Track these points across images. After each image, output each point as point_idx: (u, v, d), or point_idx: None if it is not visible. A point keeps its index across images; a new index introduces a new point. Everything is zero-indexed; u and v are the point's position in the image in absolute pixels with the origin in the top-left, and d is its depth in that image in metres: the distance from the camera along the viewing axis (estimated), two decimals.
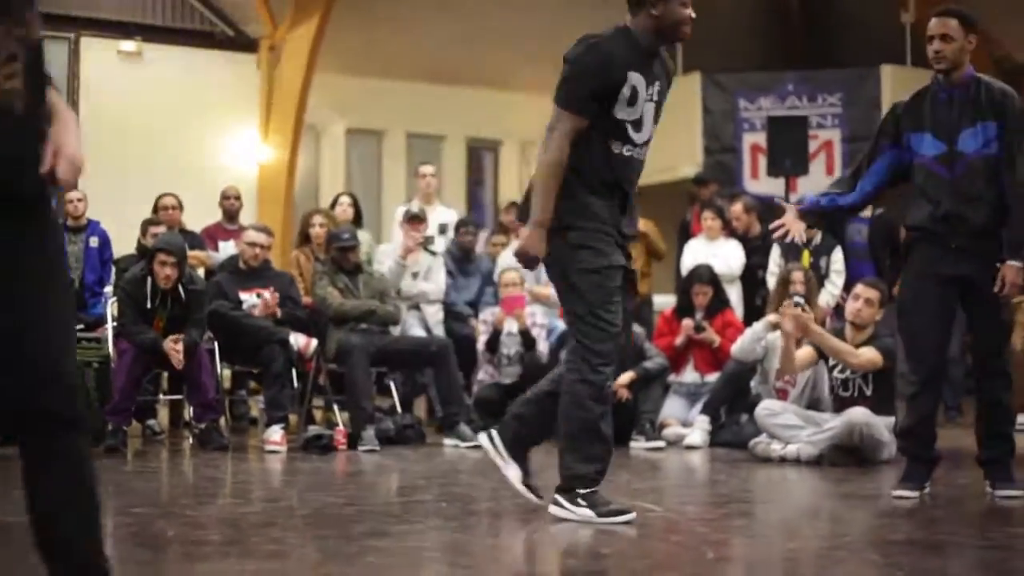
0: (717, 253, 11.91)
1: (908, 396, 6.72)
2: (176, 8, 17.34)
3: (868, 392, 8.55)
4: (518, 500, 5.90)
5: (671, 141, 18.70)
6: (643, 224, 12.95)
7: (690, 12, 5.65)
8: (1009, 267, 6.42)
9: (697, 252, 11.98)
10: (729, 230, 12.37)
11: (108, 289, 10.59)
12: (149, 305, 9.32)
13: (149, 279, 9.32)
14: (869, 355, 8.39)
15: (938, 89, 6.65)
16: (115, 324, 9.68)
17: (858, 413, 8.27)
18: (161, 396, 10.80)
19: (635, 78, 5.55)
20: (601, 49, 5.56)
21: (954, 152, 6.53)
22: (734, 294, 11.89)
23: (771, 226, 7.08)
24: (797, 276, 10.35)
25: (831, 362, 8.74)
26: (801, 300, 9.02)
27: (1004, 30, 17.86)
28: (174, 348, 9.12)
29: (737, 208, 12.54)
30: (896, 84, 17.05)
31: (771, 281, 11.77)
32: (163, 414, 11.32)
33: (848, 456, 8.30)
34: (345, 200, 11.99)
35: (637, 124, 5.60)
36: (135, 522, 5.80)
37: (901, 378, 6.98)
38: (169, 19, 17.29)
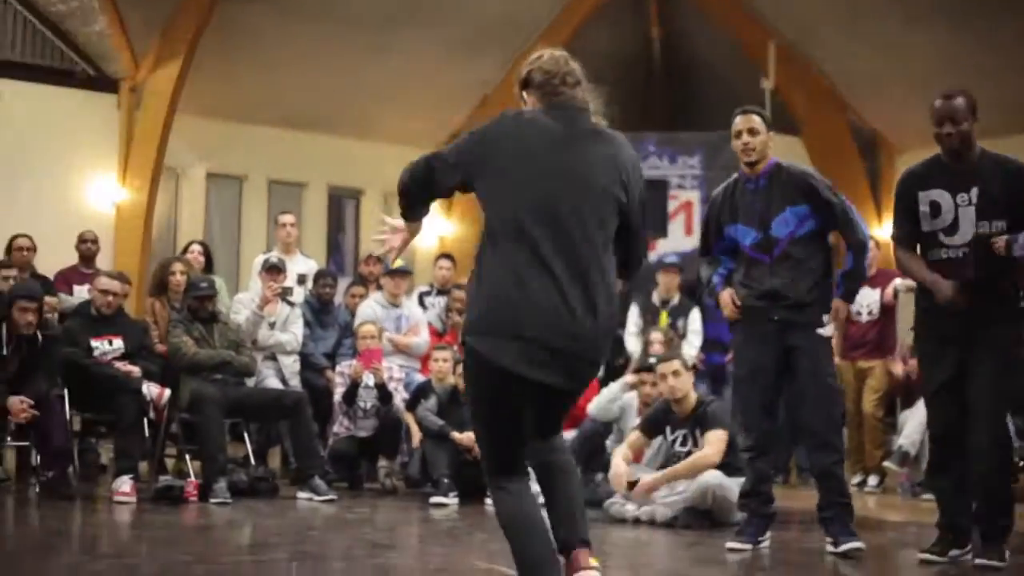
0: None
1: (746, 461, 7.28)
2: (36, 44, 16.99)
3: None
4: (371, 560, 5.84)
5: None
6: None
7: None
8: (839, 302, 7.04)
9: None
10: None
11: None
12: (3, 352, 9.12)
13: (3, 325, 9.12)
14: (708, 451, 8.49)
15: (746, 180, 7.18)
16: None
17: (711, 476, 8.33)
18: (8, 440, 10.52)
19: None
20: None
21: (769, 238, 7.04)
22: None
23: (725, 315, 7.30)
24: (655, 337, 10.45)
25: (668, 431, 8.83)
26: (655, 362, 9.15)
27: (858, 97, 18.26)
28: (20, 408, 8.95)
29: None
30: None
31: (629, 341, 11.88)
32: (10, 460, 11.04)
33: (702, 518, 8.36)
34: (196, 248, 11.96)
35: None
36: None
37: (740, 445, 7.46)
38: (28, 55, 16.95)
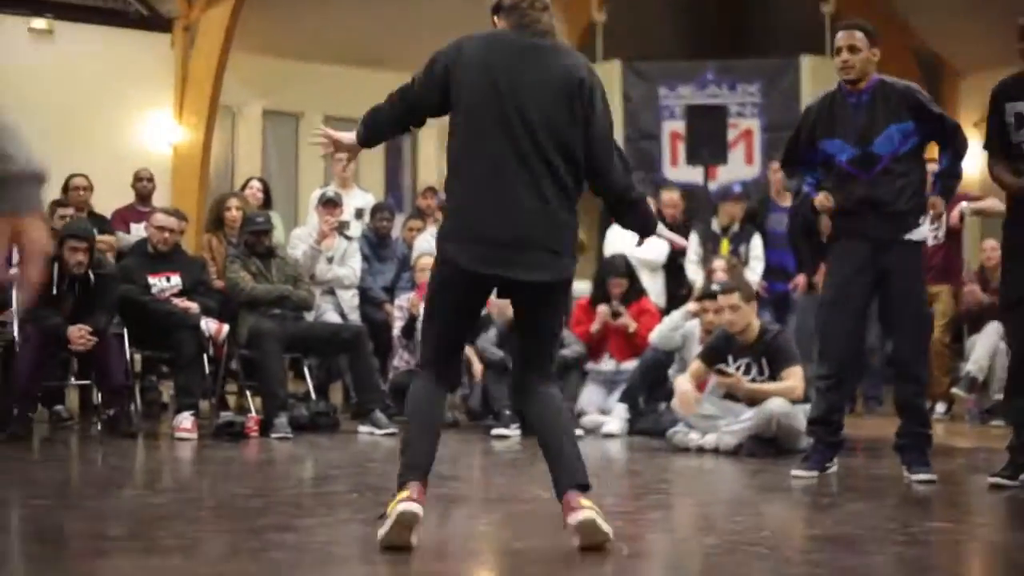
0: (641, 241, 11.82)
1: (819, 390, 7.06)
2: None
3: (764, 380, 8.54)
4: (433, 490, 5.77)
5: None
6: None
7: None
8: (936, 199, 6.87)
9: (622, 238, 11.86)
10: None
11: (14, 271, 10.29)
12: (56, 291, 9.09)
13: (56, 264, 9.08)
14: (793, 384, 8.35)
15: (847, 94, 6.91)
16: (19, 308, 9.43)
17: (776, 403, 8.21)
18: (72, 380, 10.53)
19: None
20: None
21: (869, 155, 6.78)
22: (658, 282, 11.82)
23: (819, 208, 7.08)
24: (717, 264, 10.32)
25: (731, 359, 8.69)
26: (720, 289, 9.02)
27: (919, 21, 17.93)
28: (78, 335, 8.90)
29: (675, 196, 12.50)
30: (815, 74, 17.03)
31: (689, 269, 11.74)
32: (73, 399, 11.08)
33: (766, 446, 8.24)
34: (255, 184, 11.86)
35: None
36: (35, 515, 5.61)
37: (815, 372, 7.27)
38: None
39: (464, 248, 4.70)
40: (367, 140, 5.06)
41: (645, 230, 5.42)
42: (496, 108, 4.71)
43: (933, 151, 7.42)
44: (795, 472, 7.00)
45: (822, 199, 6.96)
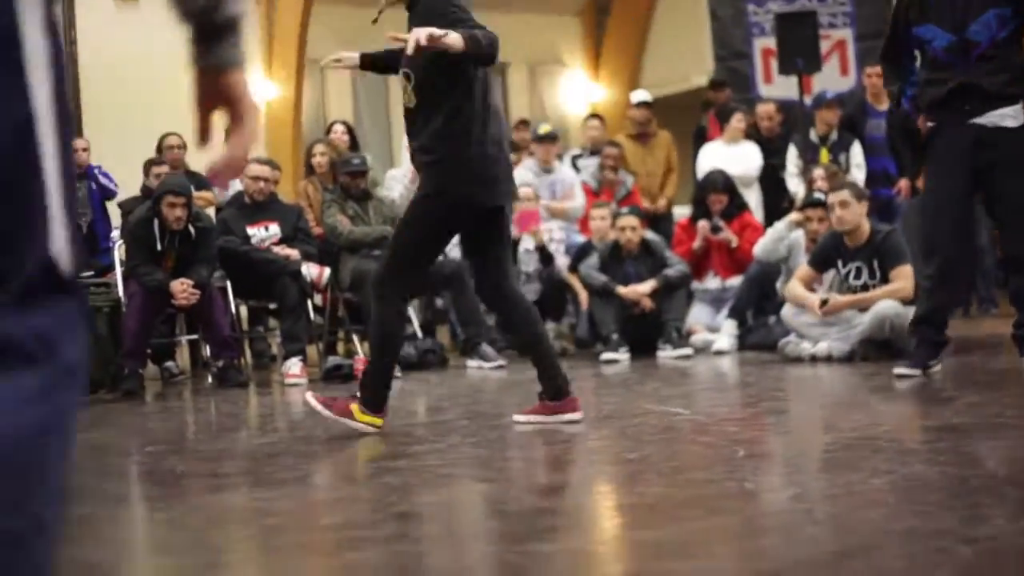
0: (735, 156, 11.68)
1: (926, 289, 6.93)
2: None
3: (875, 283, 8.37)
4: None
5: (680, 51, 18.46)
6: (662, 135, 12.76)
7: None
8: None
9: (714, 156, 11.74)
10: (747, 133, 12.15)
11: (115, 233, 10.40)
12: (159, 247, 9.13)
13: (156, 220, 9.12)
14: (902, 285, 8.17)
15: None
16: (123, 267, 9.50)
17: (886, 305, 8.06)
18: (181, 338, 10.61)
19: None
20: None
21: (966, 41, 6.59)
22: (753, 197, 11.67)
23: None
24: (818, 173, 10.15)
25: (840, 264, 8.52)
26: (822, 197, 8.90)
27: None
28: (181, 289, 8.94)
29: (770, 108, 12.39)
30: None
31: (790, 182, 11.57)
32: (184, 355, 11.17)
33: (880, 349, 8.11)
34: (339, 127, 11.76)
35: None
36: (151, 460, 5.64)
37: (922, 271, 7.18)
38: None
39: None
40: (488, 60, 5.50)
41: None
42: None
43: None
44: (897, 371, 6.87)
45: (923, 124, 6.80)
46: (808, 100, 12.90)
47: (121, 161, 11.65)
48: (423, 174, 5.72)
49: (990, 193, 6.72)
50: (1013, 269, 6.77)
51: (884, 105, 11.26)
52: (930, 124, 6.80)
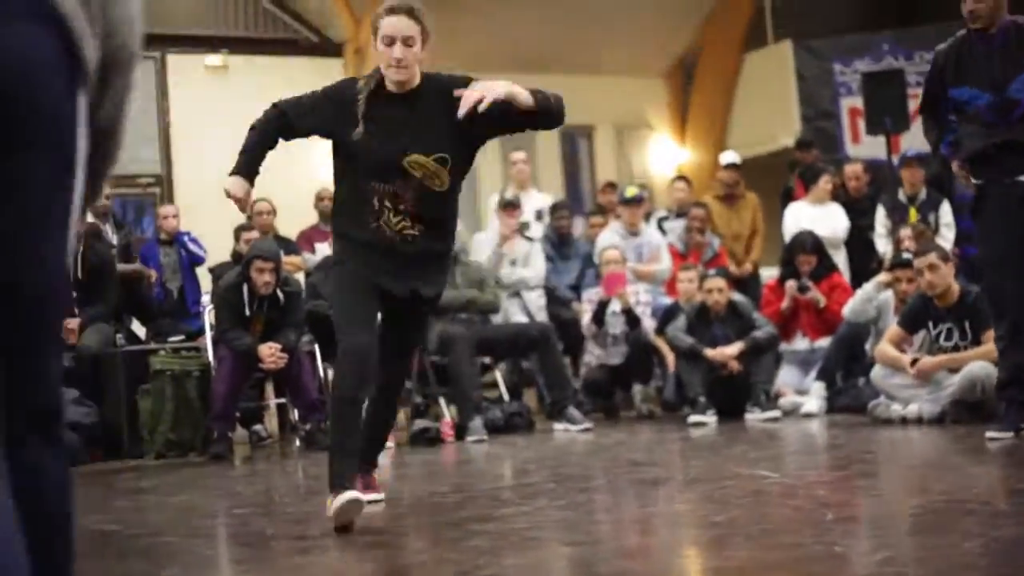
0: (821, 217, 11.63)
1: (1000, 353, 6.90)
2: (259, 18, 17.27)
3: (966, 345, 8.27)
4: (630, 475, 5.71)
5: (767, 111, 18.41)
6: (748, 196, 12.73)
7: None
8: None
9: (800, 216, 11.69)
10: (834, 194, 12.11)
11: (205, 298, 10.54)
12: (248, 312, 9.23)
13: (245, 285, 9.22)
14: (990, 345, 8.07)
15: (976, 40, 6.70)
16: (213, 332, 9.61)
17: (978, 366, 7.96)
18: (270, 401, 10.69)
19: None
20: None
21: (1007, 100, 6.57)
22: (840, 259, 11.60)
23: (961, 183, 6.93)
24: (905, 233, 10.09)
25: (931, 325, 8.44)
26: (910, 257, 8.84)
27: None
28: (269, 352, 9.03)
29: (858, 168, 12.37)
30: None
31: (879, 243, 11.49)
32: (272, 420, 11.25)
33: (972, 411, 8.00)
34: None
35: None
36: (239, 522, 5.68)
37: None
38: (252, 29, 17.21)
39: None
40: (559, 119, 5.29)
41: None
42: None
43: None
44: (989, 434, 6.75)
45: (959, 168, 6.78)
46: (896, 159, 12.84)
47: (213, 227, 11.81)
48: (440, 264, 5.47)
49: None
50: None
51: None
52: (975, 182, 6.77)
